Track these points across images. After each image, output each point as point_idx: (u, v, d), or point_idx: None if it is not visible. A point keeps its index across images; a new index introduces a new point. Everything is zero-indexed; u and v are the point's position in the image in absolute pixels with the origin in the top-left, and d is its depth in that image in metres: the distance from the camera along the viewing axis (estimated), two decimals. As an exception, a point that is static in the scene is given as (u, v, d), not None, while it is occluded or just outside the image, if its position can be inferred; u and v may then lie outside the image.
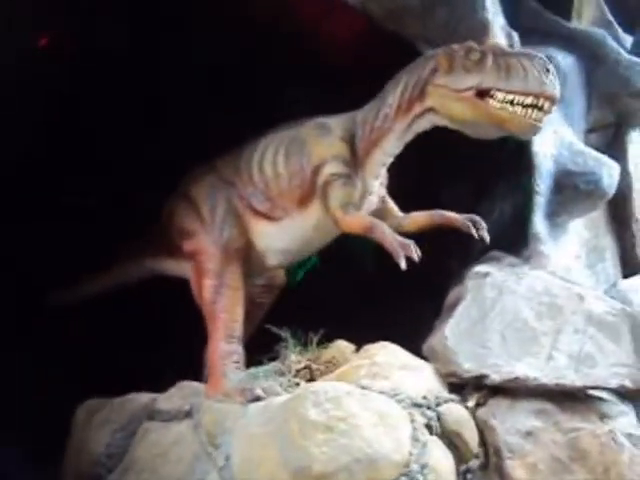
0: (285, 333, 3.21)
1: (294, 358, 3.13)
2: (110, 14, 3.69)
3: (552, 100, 2.76)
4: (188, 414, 3.10)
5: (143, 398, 3.35)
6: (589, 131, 3.97)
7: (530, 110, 2.76)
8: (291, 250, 3.34)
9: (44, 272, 3.92)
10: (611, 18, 4.30)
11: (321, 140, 3.15)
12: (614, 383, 3.13)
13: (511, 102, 2.75)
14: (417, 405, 2.74)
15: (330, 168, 3.09)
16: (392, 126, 3.07)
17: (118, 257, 3.80)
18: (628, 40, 4.28)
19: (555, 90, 2.75)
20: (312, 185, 3.13)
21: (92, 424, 3.38)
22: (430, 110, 3.00)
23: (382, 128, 3.08)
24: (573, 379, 3.06)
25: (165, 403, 3.23)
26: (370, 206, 3.27)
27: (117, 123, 4.12)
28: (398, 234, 3.18)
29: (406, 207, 4.45)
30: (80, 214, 4.16)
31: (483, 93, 2.82)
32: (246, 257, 3.31)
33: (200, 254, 3.28)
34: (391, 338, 3.19)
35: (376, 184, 3.24)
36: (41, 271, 3.98)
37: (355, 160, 3.14)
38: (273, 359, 3.20)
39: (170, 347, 3.95)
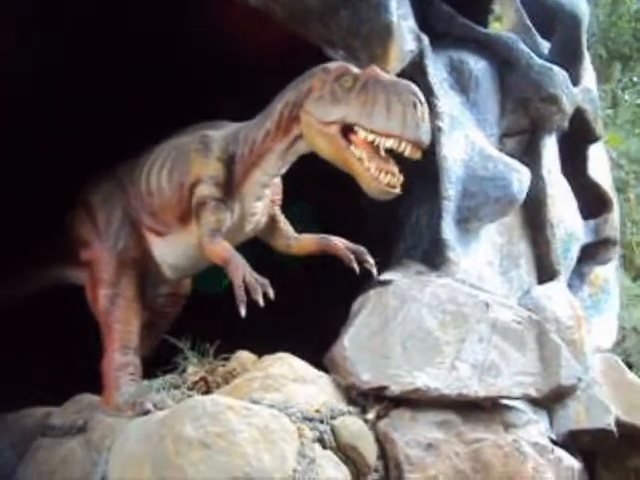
0: (183, 344, 3.10)
1: (191, 370, 3.02)
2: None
3: (416, 144, 2.44)
4: (81, 429, 3.00)
5: (38, 413, 3.23)
6: (505, 136, 3.93)
7: (384, 174, 2.48)
8: (180, 265, 3.23)
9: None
10: (529, 23, 4.28)
11: (199, 158, 2.98)
12: (518, 392, 3.09)
13: (372, 142, 2.46)
14: (308, 419, 2.66)
15: (202, 189, 2.92)
16: (272, 146, 2.85)
17: (21, 266, 3.65)
18: (546, 46, 4.26)
19: (419, 132, 2.42)
20: (190, 203, 2.99)
21: (-16, 441, 3.25)
22: None
23: (262, 147, 2.87)
24: (476, 389, 3.01)
25: (59, 418, 3.11)
26: (256, 226, 3.14)
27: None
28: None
29: (325, 211, 4.41)
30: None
31: (348, 129, 2.54)
32: (144, 267, 3.20)
33: (95, 263, 3.18)
34: (306, 346, 3.11)
35: (259, 205, 3.06)
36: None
37: (232, 181, 2.96)
38: (171, 371, 3.09)
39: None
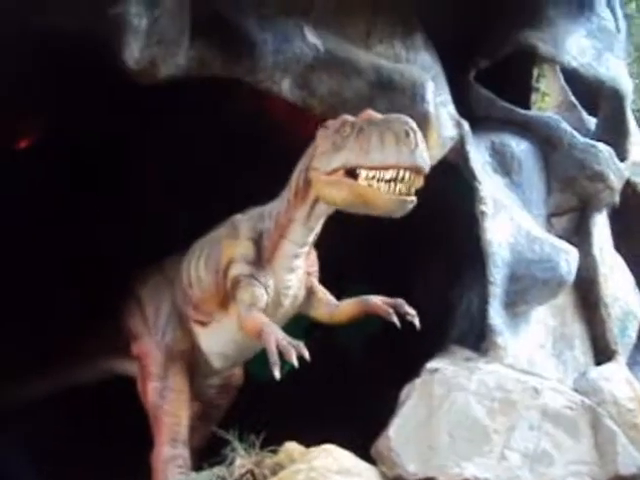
0: (232, 435, 3.11)
1: (238, 462, 3.02)
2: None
3: (414, 169, 2.42)
4: (132, 522, 3.03)
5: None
6: (553, 215, 3.90)
7: (393, 185, 2.43)
8: (227, 353, 3.24)
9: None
10: (575, 101, 4.29)
11: (230, 241, 3.04)
12: (572, 483, 2.98)
13: (373, 178, 2.45)
14: (352, 513, 2.62)
15: (235, 269, 2.96)
16: (294, 215, 2.88)
17: (71, 356, 3.74)
18: (592, 122, 4.25)
19: (414, 158, 2.40)
20: (226, 287, 3.02)
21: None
22: None
23: (285, 218, 2.90)
24: (527, 479, 2.93)
25: (111, 512, 3.16)
26: (295, 300, 3.11)
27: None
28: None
29: (373, 286, 4.40)
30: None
31: (351, 172, 2.54)
32: (192, 359, 3.25)
33: (144, 356, 3.26)
34: (359, 433, 3.08)
35: (292, 277, 3.04)
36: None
37: (262, 257, 2.98)
38: (220, 462, 3.09)
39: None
